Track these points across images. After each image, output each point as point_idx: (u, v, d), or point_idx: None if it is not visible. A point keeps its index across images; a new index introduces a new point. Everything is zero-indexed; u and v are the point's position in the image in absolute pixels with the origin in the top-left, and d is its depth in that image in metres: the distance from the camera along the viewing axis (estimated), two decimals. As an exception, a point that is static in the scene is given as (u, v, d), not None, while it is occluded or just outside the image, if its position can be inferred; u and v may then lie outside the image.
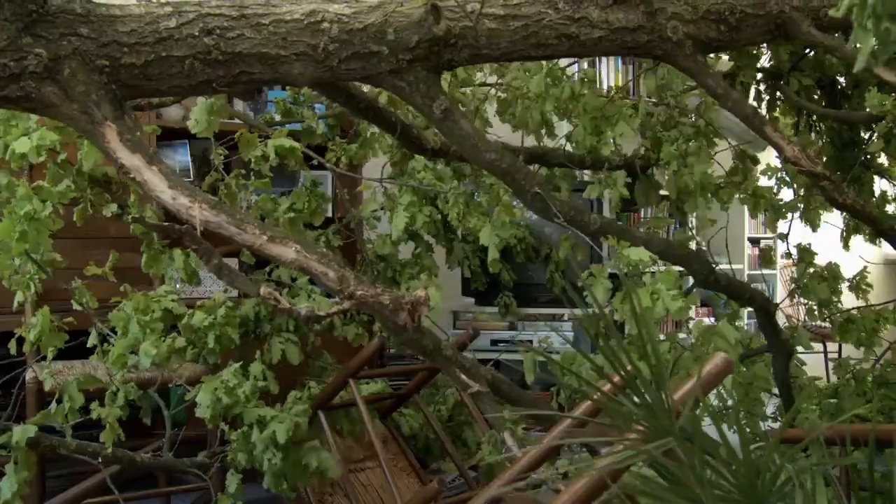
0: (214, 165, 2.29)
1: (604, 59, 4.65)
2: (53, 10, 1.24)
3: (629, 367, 1.02)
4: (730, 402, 1.81)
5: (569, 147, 2.22)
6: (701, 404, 1.09)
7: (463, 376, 1.67)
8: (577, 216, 1.78)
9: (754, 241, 5.72)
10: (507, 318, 3.68)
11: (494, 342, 3.80)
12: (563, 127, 2.34)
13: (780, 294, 4.33)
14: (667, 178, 2.10)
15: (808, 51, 2.17)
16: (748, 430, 2.32)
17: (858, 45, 0.99)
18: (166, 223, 1.35)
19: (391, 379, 2.90)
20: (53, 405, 1.77)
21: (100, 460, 1.92)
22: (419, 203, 2.21)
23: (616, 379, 1.03)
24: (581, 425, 1.46)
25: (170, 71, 1.34)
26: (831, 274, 2.43)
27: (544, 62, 2.09)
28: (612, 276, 1.79)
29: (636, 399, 1.01)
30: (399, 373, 3.10)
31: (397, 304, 1.49)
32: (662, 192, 2.37)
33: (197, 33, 1.34)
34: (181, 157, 3.42)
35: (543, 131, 2.16)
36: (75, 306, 1.98)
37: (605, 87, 4.46)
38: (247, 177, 2.29)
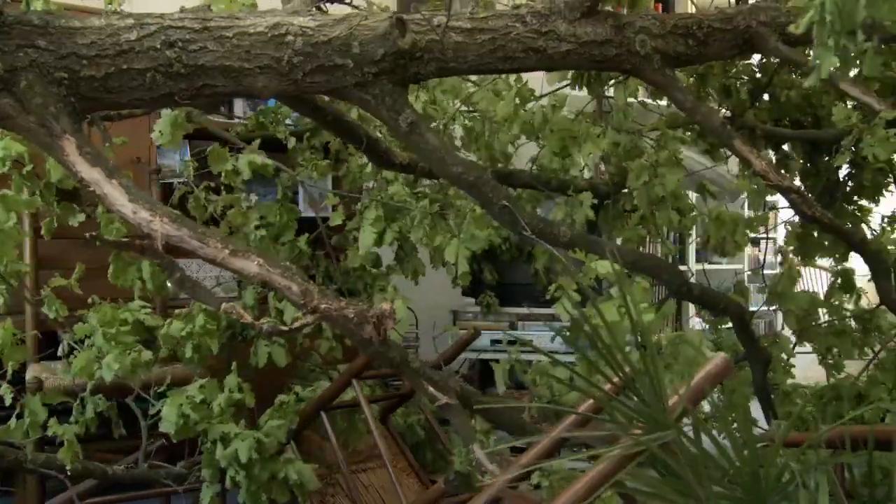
0: (186, 176, 2.27)
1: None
2: (10, 22, 1.23)
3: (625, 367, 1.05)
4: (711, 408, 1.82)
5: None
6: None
7: (431, 389, 1.67)
8: (547, 229, 1.78)
9: (755, 242, 5.72)
10: (490, 318, 3.68)
11: (494, 342, 3.81)
12: (529, 148, 2.35)
13: None
14: (636, 192, 2.11)
15: (770, 79, 2.19)
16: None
17: (818, 62, 1.00)
18: (126, 239, 1.33)
19: (391, 379, 2.89)
20: (13, 420, 1.74)
21: (68, 474, 1.89)
22: (388, 218, 2.21)
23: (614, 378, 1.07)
24: (582, 424, 1.48)
25: (131, 84, 1.33)
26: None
27: (514, 84, 2.10)
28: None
29: (633, 396, 1.05)
30: (399, 373, 3.08)
31: (362, 317, 1.48)
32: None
33: (158, 46, 1.33)
34: (182, 156, 3.40)
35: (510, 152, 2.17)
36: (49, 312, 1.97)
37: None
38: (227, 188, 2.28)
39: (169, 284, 2.01)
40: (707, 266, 3.39)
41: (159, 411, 1.88)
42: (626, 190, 2.16)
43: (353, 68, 1.48)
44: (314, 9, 1.51)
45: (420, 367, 1.64)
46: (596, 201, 2.09)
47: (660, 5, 4.56)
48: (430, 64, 1.57)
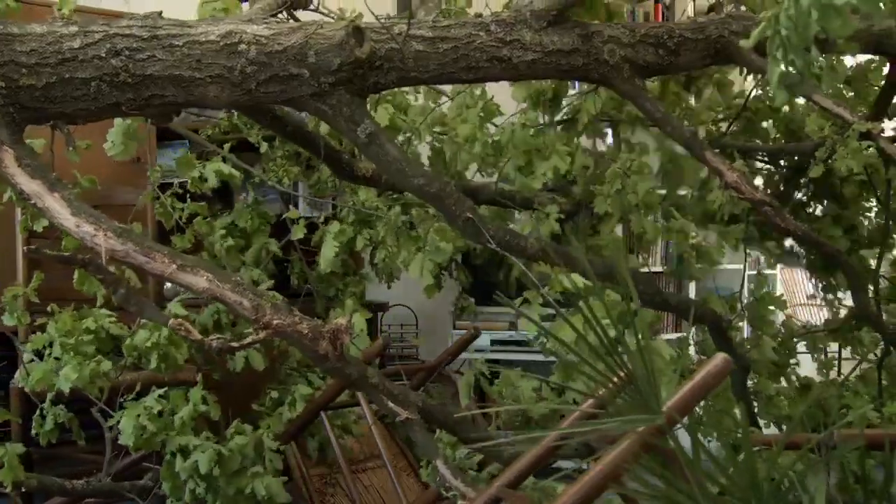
0: (152, 184, 2.23)
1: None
2: (-55, 30, 1.19)
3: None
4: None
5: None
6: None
7: (391, 404, 1.63)
8: (513, 241, 1.74)
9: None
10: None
11: (494, 342, 3.80)
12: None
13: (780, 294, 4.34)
14: (609, 199, 2.07)
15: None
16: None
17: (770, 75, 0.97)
18: (69, 253, 1.29)
19: (391, 379, 2.87)
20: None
21: (22, 490, 1.85)
22: (360, 223, 2.17)
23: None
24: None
25: (74, 93, 1.29)
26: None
27: (479, 98, 2.06)
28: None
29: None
30: (399, 373, 3.08)
31: (316, 332, 1.45)
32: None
33: (104, 54, 1.29)
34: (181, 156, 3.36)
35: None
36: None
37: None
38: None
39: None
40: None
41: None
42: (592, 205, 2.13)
43: (309, 78, 1.45)
44: (270, 17, 1.46)
45: (379, 383, 1.61)
46: (563, 215, 2.06)
47: (659, 6, 4.53)
48: (390, 73, 1.53)
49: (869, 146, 1.80)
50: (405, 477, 2.60)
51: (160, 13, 1.38)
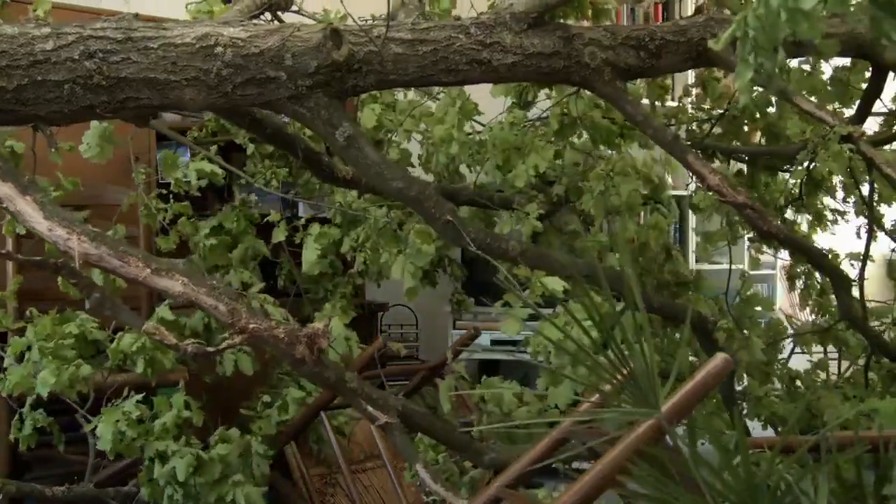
0: (138, 185, 2.22)
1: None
2: (-86, 32, 1.18)
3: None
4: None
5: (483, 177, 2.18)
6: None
7: (370, 408, 1.62)
8: (495, 243, 1.74)
9: (753, 239, 5.68)
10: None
11: (495, 342, 3.80)
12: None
13: (780, 294, 4.35)
14: (593, 200, 2.07)
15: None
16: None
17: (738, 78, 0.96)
18: (41, 258, 1.28)
19: (391, 379, 2.87)
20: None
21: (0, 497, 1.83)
22: (346, 228, 2.17)
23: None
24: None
25: (47, 96, 1.28)
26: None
27: (456, 98, 2.06)
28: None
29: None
30: (399, 373, 3.07)
31: (293, 337, 1.44)
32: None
33: (77, 57, 1.29)
34: (182, 156, 3.34)
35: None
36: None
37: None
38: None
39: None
40: (707, 266, 3.37)
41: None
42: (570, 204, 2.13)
43: (287, 81, 1.44)
44: (250, 19, 1.46)
45: (358, 387, 1.60)
46: (543, 212, 2.05)
47: (659, 6, 4.54)
48: (368, 76, 1.53)
49: (850, 149, 1.80)
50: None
51: (136, 15, 1.37)
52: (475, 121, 2.44)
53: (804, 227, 2.78)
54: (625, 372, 1.17)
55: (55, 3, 3.01)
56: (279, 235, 2.16)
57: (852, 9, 0.92)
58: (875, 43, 1.94)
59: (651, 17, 4.44)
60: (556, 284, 1.63)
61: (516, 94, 2.26)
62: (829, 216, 2.83)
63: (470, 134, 2.36)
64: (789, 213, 2.59)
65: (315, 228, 2.03)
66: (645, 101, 2.67)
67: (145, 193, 2.32)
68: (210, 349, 1.36)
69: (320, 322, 1.47)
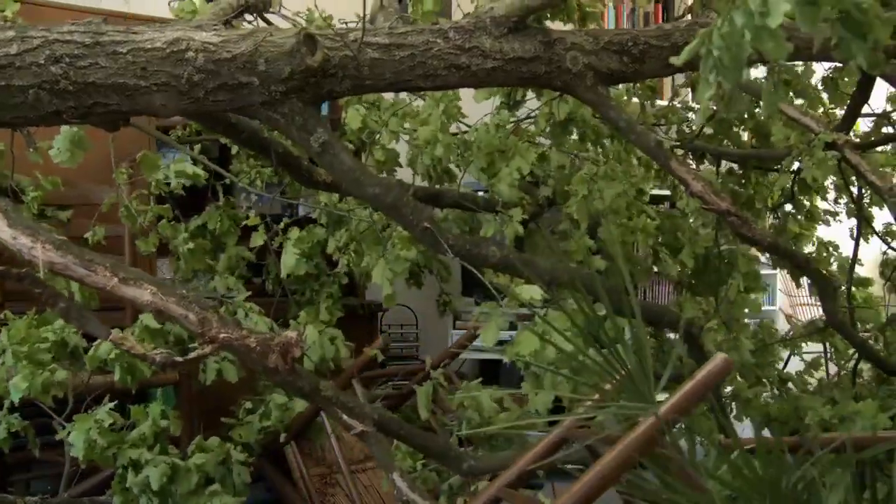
0: (118, 184, 2.20)
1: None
2: None
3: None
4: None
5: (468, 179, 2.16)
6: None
7: (345, 417, 1.61)
8: (475, 249, 1.72)
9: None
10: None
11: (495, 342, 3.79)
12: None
13: (780, 295, 4.36)
14: (576, 205, 2.05)
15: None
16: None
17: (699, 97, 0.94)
18: (3, 268, 1.27)
19: (391, 379, 2.87)
20: None
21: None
22: (331, 229, 2.15)
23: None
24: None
25: (11, 101, 1.26)
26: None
27: (440, 101, 2.03)
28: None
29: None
30: (399, 373, 3.07)
31: (265, 346, 1.42)
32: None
33: (42, 61, 1.26)
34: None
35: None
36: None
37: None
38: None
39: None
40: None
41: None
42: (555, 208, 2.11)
43: (260, 86, 1.42)
44: (225, 22, 1.43)
45: (334, 396, 1.58)
46: (526, 216, 2.03)
47: (660, 6, 4.52)
48: (344, 81, 1.51)
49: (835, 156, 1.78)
50: (405, 477, 2.61)
51: (104, 19, 1.34)
52: (461, 122, 2.42)
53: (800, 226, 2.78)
54: (621, 372, 1.18)
55: (55, 3, 3.00)
56: (258, 240, 2.14)
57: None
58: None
59: (651, 19, 4.43)
60: (534, 293, 1.61)
61: (504, 94, 2.24)
62: (822, 217, 2.82)
63: (456, 134, 2.34)
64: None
65: (294, 233, 2.01)
66: (635, 99, 2.66)
67: (128, 193, 2.30)
68: (178, 359, 1.35)
69: (293, 331, 1.45)
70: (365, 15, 1.48)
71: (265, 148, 1.73)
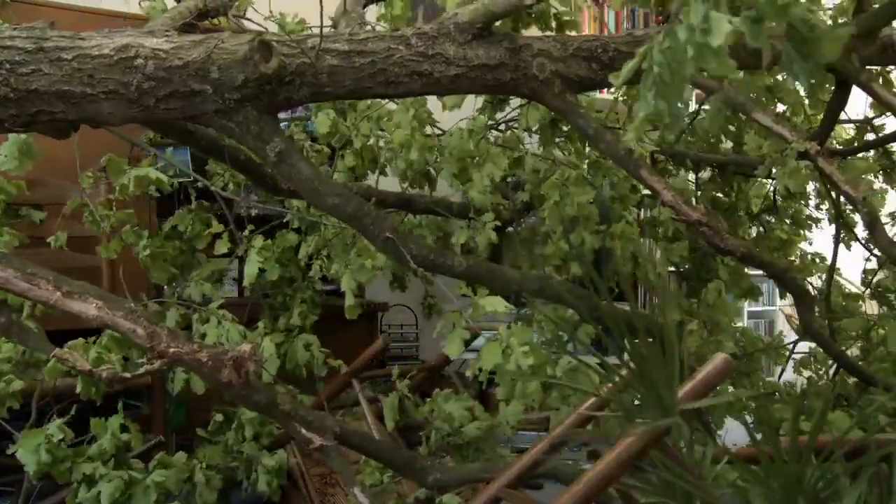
0: (82, 189, 2.16)
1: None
2: None
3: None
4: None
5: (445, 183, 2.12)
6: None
7: (304, 431, 1.58)
8: (439, 259, 1.68)
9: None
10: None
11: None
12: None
13: (778, 296, 4.35)
14: (548, 211, 2.02)
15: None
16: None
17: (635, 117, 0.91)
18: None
19: (390, 379, 2.84)
20: None
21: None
22: (308, 229, 2.11)
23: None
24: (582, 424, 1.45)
25: (-51, 110, 1.22)
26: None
27: (409, 106, 1.99)
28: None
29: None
30: (399, 373, 3.05)
31: (217, 360, 1.39)
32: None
33: (-18, 69, 1.23)
34: (181, 157, 3.27)
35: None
36: None
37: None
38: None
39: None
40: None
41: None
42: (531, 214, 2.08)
43: (213, 94, 1.38)
44: (174, 30, 1.40)
45: (292, 409, 1.55)
46: (499, 223, 2.00)
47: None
48: (302, 89, 1.47)
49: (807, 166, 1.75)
50: (406, 476, 2.60)
51: (51, 24, 1.31)
52: (435, 126, 2.39)
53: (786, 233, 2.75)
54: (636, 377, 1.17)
55: (55, 3, 2.97)
56: (221, 247, 2.10)
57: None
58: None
59: (651, 21, 4.39)
60: (498, 305, 1.58)
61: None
62: (805, 223, 2.80)
63: (430, 135, 2.31)
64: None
65: (258, 241, 1.97)
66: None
67: (105, 194, 2.25)
68: (125, 374, 1.31)
69: (245, 344, 1.42)
70: (323, 21, 1.44)
71: (225, 155, 1.69)
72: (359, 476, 1.60)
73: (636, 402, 1.14)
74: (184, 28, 1.55)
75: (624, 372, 1.18)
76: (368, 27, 1.63)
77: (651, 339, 2.15)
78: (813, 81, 0.88)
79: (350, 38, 1.51)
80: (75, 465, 1.61)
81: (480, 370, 1.55)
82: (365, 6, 1.74)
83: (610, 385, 1.24)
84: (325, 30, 1.64)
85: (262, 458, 2.03)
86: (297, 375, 2.58)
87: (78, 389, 1.87)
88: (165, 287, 2.33)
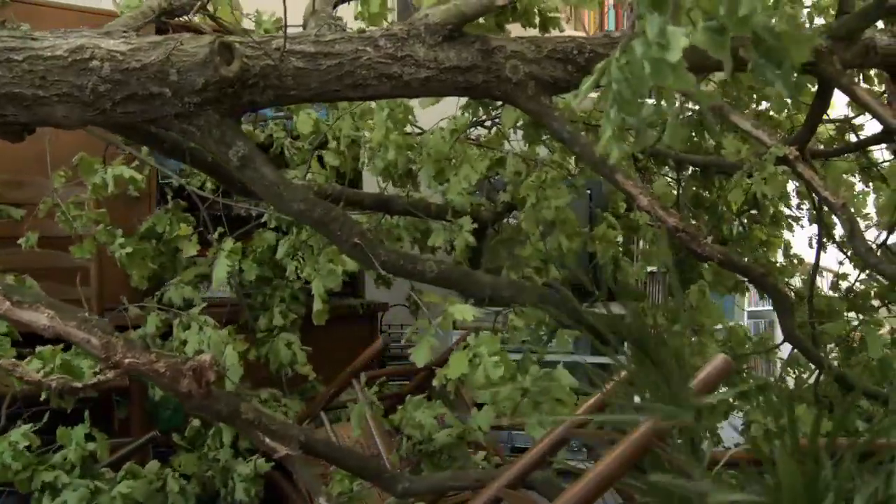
0: (54, 191, 2.12)
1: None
2: None
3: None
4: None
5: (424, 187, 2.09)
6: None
7: (267, 440, 1.54)
8: (409, 265, 1.65)
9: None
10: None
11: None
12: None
13: None
14: (524, 214, 1.99)
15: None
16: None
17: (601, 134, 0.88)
18: None
19: (391, 379, 2.83)
20: None
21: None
22: (286, 228, 2.08)
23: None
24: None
25: None
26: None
27: (384, 107, 1.95)
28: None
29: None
30: (399, 373, 3.04)
31: (175, 370, 1.36)
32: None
33: (-72, 71, 1.19)
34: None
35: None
36: None
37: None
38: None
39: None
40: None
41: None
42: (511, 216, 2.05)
43: (172, 98, 1.34)
44: (132, 31, 1.36)
45: (255, 418, 1.52)
46: (476, 225, 1.96)
47: None
48: (266, 92, 1.43)
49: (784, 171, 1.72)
50: (406, 476, 2.58)
51: (2, 22, 1.26)
52: (415, 125, 2.35)
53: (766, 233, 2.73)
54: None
55: (55, 3, 2.92)
56: (190, 250, 2.06)
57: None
58: (819, 58, 1.86)
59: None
60: (466, 313, 1.54)
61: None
62: (786, 222, 2.78)
63: (410, 133, 2.27)
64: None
65: (228, 243, 1.93)
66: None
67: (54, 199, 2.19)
68: (77, 385, 1.28)
69: (206, 354, 1.39)
70: (286, 23, 1.40)
71: (192, 157, 1.65)
72: (326, 487, 1.56)
73: (637, 401, 1.15)
74: (161, 28, 1.51)
75: (624, 372, 1.20)
76: (340, 27, 1.59)
77: (638, 344, 2.13)
78: (791, 87, 0.86)
79: (316, 39, 1.47)
80: (36, 472, 1.57)
81: (448, 379, 1.51)
82: (335, 6, 1.70)
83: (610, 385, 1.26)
84: (295, 30, 1.61)
85: (236, 466, 1.99)
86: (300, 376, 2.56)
87: (42, 398, 1.84)
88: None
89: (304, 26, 1.66)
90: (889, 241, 2.34)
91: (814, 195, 2.31)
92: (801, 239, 2.84)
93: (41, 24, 1.42)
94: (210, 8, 1.84)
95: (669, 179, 2.43)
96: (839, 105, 2.48)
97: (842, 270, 2.72)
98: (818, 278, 2.96)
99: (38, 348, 1.75)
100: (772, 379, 2.78)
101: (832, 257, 2.63)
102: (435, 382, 1.54)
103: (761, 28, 0.83)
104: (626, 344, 1.38)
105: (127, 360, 1.31)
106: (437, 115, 2.22)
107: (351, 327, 3.44)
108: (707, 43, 0.85)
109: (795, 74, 0.79)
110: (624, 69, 0.79)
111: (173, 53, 1.33)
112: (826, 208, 2.32)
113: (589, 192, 3.34)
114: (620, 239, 2.53)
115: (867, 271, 2.38)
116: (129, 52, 1.31)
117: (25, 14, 2.26)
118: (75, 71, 1.28)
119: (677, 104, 0.92)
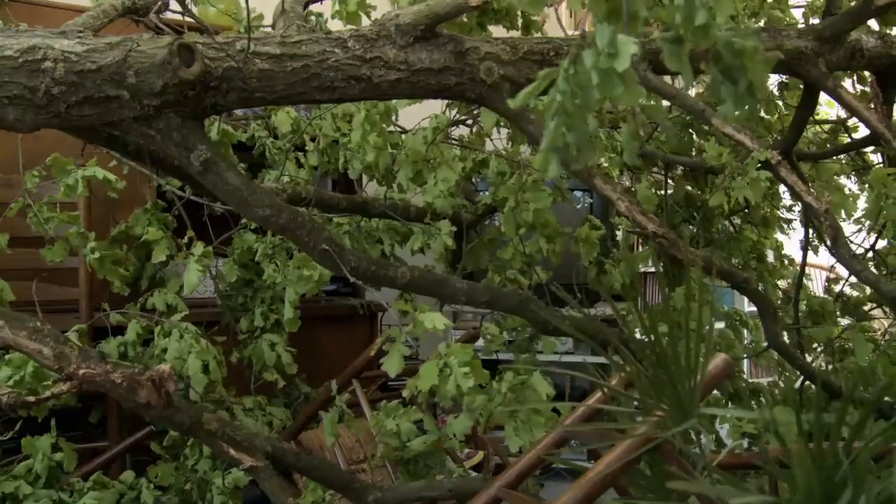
0: (25, 188, 2.08)
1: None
2: None
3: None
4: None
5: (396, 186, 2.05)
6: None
7: (232, 451, 1.51)
8: (381, 271, 1.61)
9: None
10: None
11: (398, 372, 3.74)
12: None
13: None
14: (504, 217, 1.95)
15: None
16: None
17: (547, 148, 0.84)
18: None
19: (391, 379, 2.82)
20: None
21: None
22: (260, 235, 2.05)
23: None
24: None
25: None
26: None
27: (363, 106, 1.91)
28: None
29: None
30: (399, 373, 3.03)
31: (133, 381, 1.32)
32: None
33: None
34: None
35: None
36: None
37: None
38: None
39: None
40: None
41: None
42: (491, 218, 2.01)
43: (130, 100, 1.30)
44: (89, 30, 1.31)
45: (219, 429, 1.48)
46: (455, 228, 1.92)
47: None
48: (230, 94, 1.39)
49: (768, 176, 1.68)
50: (405, 476, 2.56)
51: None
52: (397, 125, 2.31)
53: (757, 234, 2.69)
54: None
55: (55, 3, 2.89)
56: (159, 255, 2.02)
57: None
58: (805, 61, 1.82)
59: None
60: (437, 322, 1.51)
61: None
62: (778, 223, 2.74)
63: (392, 132, 2.23)
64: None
65: (199, 247, 1.89)
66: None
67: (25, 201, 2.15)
68: (30, 399, 1.24)
69: (165, 364, 1.35)
70: (250, 24, 1.36)
71: (157, 160, 1.61)
72: (293, 499, 1.52)
73: (635, 404, 1.16)
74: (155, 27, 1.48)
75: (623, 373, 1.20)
76: (309, 27, 1.55)
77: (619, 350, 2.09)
78: (743, 106, 0.82)
79: (282, 40, 1.43)
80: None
81: (419, 390, 1.48)
82: (305, 6, 1.66)
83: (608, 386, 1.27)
84: (262, 31, 1.57)
85: (213, 478, 1.95)
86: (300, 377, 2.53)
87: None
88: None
89: (274, 26, 1.62)
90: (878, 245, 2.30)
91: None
92: (794, 240, 2.80)
93: (41, 24, 1.39)
94: (192, 7, 1.80)
95: (658, 179, 2.39)
96: (837, 105, 2.44)
97: (835, 273, 2.68)
98: (812, 279, 2.92)
99: (7, 356, 1.72)
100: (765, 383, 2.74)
101: (830, 258, 2.59)
102: (405, 393, 1.50)
103: (722, 44, 0.79)
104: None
105: (81, 371, 1.27)
106: (421, 113, 2.18)
107: (351, 327, 3.41)
108: (665, 53, 0.81)
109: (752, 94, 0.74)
110: (570, 80, 0.75)
111: (130, 55, 1.28)
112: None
113: (591, 200, 3.31)
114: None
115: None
116: (83, 53, 1.27)
117: (25, 14, 2.22)
118: (26, 72, 1.24)
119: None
